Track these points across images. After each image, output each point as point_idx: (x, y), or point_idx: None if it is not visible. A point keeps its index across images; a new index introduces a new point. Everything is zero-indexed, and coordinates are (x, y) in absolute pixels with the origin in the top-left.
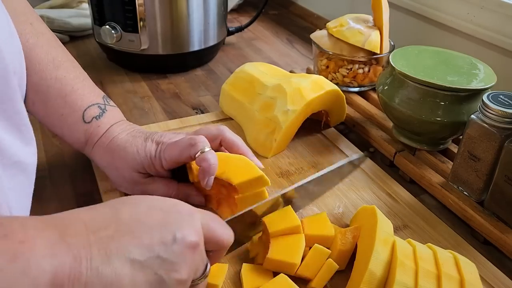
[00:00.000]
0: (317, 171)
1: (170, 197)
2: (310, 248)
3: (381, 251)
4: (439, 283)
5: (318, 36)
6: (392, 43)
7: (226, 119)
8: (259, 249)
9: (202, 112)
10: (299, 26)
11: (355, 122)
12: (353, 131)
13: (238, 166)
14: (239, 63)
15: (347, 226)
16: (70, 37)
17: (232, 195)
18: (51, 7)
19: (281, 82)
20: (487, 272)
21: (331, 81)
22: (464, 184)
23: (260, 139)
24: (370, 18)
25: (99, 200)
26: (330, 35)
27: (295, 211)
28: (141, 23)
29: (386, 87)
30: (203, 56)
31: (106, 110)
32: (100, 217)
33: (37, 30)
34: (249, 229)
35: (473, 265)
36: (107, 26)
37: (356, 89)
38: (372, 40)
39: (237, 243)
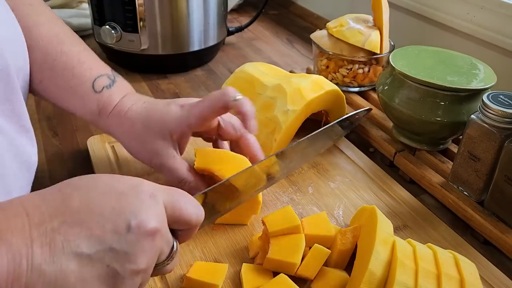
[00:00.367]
0: (317, 171)
1: (184, 180)
2: (310, 248)
3: (381, 251)
4: (439, 283)
5: (318, 36)
6: (392, 43)
7: None
8: (259, 249)
9: None
10: (299, 26)
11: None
12: (353, 131)
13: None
14: (239, 63)
15: (347, 226)
16: None
17: None
18: (51, 7)
19: (281, 82)
20: (487, 272)
21: (331, 81)
22: (464, 184)
23: (260, 139)
24: (370, 18)
25: None
26: (330, 35)
27: (281, 177)
28: (141, 23)
29: (386, 87)
30: (203, 56)
31: (116, 81)
32: (46, 206)
33: (38, 10)
34: (227, 201)
35: (473, 265)
36: (107, 26)
37: (356, 89)
38: (372, 40)
39: (215, 213)
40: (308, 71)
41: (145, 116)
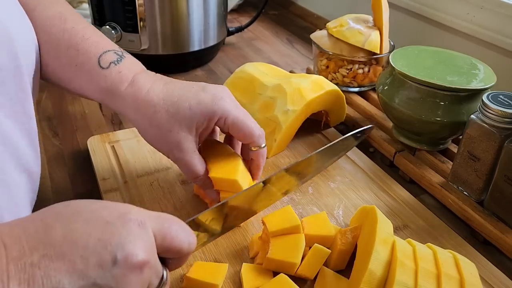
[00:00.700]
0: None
1: (200, 177)
2: (310, 248)
3: (381, 251)
4: (439, 283)
5: (318, 36)
6: (392, 43)
7: None
8: (259, 249)
9: None
10: (299, 26)
11: (355, 122)
12: None
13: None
14: (239, 63)
15: (347, 226)
16: None
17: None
18: None
19: (281, 82)
20: (487, 272)
21: (331, 81)
22: (464, 184)
23: None
24: (370, 18)
25: None
26: (330, 35)
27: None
28: (141, 23)
29: (386, 87)
30: (203, 56)
31: (124, 56)
32: (26, 237)
33: None
34: (231, 219)
35: (473, 265)
36: (107, 26)
37: (356, 89)
38: (372, 40)
39: (223, 230)
40: (308, 71)
41: (171, 104)
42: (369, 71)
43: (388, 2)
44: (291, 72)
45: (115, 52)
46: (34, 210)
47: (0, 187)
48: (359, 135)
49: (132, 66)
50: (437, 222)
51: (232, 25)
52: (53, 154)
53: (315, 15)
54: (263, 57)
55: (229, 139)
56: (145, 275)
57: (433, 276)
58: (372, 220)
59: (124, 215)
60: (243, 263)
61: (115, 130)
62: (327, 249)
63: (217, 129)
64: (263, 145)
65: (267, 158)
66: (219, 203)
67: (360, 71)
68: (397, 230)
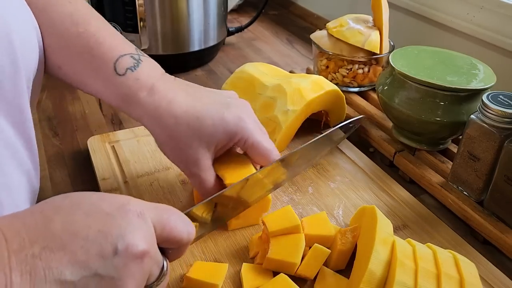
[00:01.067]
0: (317, 171)
1: (209, 194)
2: (310, 248)
3: (381, 251)
4: (439, 283)
5: (318, 36)
6: (392, 43)
7: None
8: (259, 249)
9: None
10: (299, 26)
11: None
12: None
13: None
14: (239, 63)
15: (347, 226)
16: None
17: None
18: None
19: (281, 82)
20: (487, 272)
21: (331, 81)
22: (463, 184)
23: None
24: (370, 18)
25: None
26: (330, 35)
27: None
28: (141, 23)
29: (386, 87)
30: (203, 56)
31: (141, 61)
32: (26, 230)
33: None
34: (229, 209)
35: (473, 265)
36: None
37: (356, 89)
38: (372, 40)
39: (217, 222)
40: (308, 71)
41: (194, 119)
42: (369, 71)
43: (388, 2)
44: (291, 72)
45: (131, 56)
46: None
47: (3, 189)
48: (350, 125)
49: (150, 72)
50: (437, 222)
51: (232, 25)
52: (53, 154)
53: (315, 15)
54: (263, 57)
55: None
56: (146, 265)
57: (433, 276)
58: (372, 220)
59: (123, 206)
60: (243, 263)
61: (115, 130)
62: (327, 249)
63: None
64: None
65: None
66: (214, 195)
67: (360, 71)
68: (397, 230)
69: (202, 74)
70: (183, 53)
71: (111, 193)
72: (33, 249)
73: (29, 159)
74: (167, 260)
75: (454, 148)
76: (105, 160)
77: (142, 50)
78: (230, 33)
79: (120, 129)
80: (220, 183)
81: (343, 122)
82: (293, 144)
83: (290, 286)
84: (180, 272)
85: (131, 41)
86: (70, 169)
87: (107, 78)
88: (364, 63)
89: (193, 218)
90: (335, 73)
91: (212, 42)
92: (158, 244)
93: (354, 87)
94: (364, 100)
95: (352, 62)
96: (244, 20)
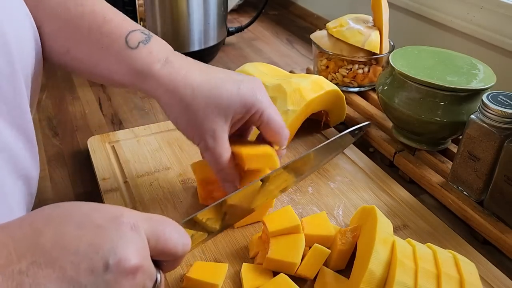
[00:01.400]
0: (317, 171)
1: (224, 170)
2: (310, 248)
3: (381, 251)
4: (439, 283)
5: (318, 36)
6: (392, 43)
7: None
8: (259, 249)
9: None
10: (299, 26)
11: (355, 122)
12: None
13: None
14: (239, 63)
15: (347, 226)
16: None
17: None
18: None
19: (281, 82)
20: (487, 272)
21: (331, 81)
22: (463, 184)
23: None
24: (370, 18)
25: (99, 201)
26: (330, 35)
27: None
28: (141, 23)
29: (386, 87)
30: (203, 56)
31: (152, 36)
32: (14, 243)
33: None
34: (228, 217)
35: (473, 265)
36: None
37: (356, 89)
38: (372, 40)
39: (222, 228)
40: (308, 71)
41: (211, 89)
42: (369, 71)
43: (388, 2)
44: (291, 72)
45: (141, 32)
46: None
47: None
48: (356, 132)
49: (162, 46)
50: (437, 222)
51: (232, 25)
52: (53, 154)
53: (315, 15)
54: (263, 57)
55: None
56: (138, 280)
57: (433, 276)
58: (372, 220)
59: (116, 218)
60: (243, 263)
61: (115, 130)
62: (327, 249)
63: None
64: (284, 147)
65: None
66: (217, 201)
67: (360, 71)
68: (397, 230)
69: None
70: (183, 53)
71: (111, 193)
72: (20, 264)
73: (29, 161)
74: (161, 273)
75: (454, 148)
76: (105, 160)
77: None
78: (230, 33)
79: (120, 129)
80: (234, 162)
81: (352, 127)
82: (293, 144)
83: (290, 286)
84: (180, 272)
85: None
86: (70, 169)
87: (119, 52)
88: (364, 63)
89: (198, 223)
90: (335, 73)
91: (212, 42)
92: (152, 257)
93: (354, 87)
94: (364, 100)
95: (352, 62)
96: (244, 20)
